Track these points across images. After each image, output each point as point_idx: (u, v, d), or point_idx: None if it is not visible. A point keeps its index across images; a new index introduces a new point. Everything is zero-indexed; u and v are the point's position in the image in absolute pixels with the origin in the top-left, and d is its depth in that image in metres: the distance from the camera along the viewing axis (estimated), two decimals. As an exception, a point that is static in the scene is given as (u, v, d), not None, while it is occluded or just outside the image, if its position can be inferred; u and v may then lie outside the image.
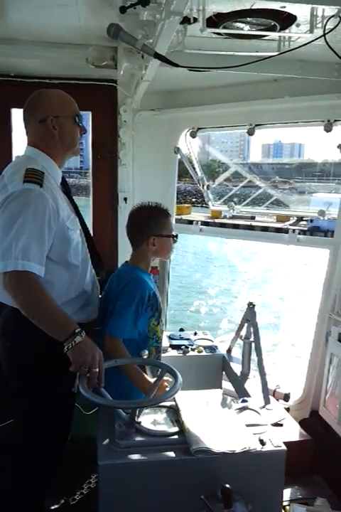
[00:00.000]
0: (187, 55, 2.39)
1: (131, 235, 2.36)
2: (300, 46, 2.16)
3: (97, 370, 1.78)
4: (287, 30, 2.23)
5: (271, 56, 2.31)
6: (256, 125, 3.59)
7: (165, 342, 3.15)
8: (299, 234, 3.55)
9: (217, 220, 4.17)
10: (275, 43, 2.34)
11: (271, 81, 3.25)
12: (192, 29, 2.14)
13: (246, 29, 2.27)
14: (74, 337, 1.75)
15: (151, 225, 2.28)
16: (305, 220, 18.95)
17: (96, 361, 1.79)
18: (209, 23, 2.10)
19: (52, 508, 2.49)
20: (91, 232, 3.79)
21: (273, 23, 2.20)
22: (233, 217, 4.46)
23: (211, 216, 4.25)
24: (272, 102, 3.32)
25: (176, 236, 2.35)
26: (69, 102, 2.07)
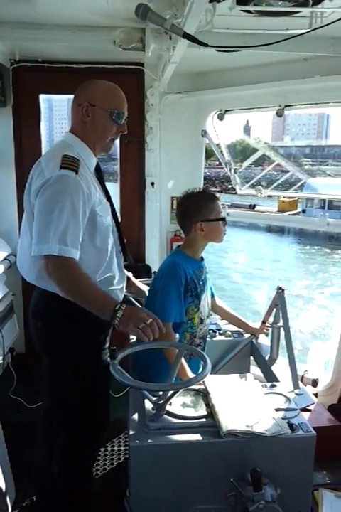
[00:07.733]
0: (215, 34, 2.35)
1: (180, 223, 2.36)
2: (333, 22, 2.09)
3: (150, 321, 1.80)
4: (319, 6, 2.15)
5: (302, 33, 2.24)
6: (286, 106, 3.51)
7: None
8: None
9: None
10: (306, 19, 2.26)
11: (301, 60, 3.16)
12: (220, 7, 2.09)
13: (276, 5, 2.20)
14: (116, 313, 1.80)
15: (197, 211, 2.27)
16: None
17: (145, 316, 1.81)
18: (238, 0, 2.06)
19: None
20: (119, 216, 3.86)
21: (304, -2, 2.13)
22: (232, 205, 4.34)
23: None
24: (302, 81, 3.22)
25: (224, 219, 2.32)
26: (113, 96, 2.04)
